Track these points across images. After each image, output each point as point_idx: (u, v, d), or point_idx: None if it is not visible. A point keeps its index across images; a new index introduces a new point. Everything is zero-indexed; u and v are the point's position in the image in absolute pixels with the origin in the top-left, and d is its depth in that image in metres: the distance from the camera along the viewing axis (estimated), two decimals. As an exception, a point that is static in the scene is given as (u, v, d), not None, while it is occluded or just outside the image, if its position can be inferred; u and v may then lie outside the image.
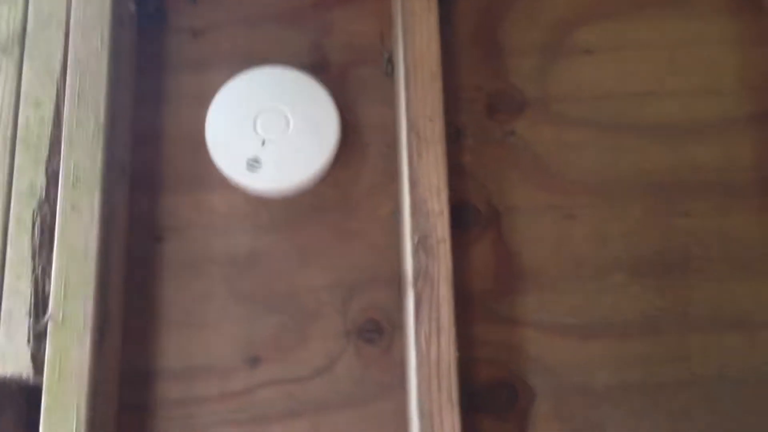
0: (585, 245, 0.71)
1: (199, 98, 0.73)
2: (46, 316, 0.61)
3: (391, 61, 0.74)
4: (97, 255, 0.63)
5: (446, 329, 0.62)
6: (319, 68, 0.75)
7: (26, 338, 0.61)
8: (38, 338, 0.61)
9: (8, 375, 0.61)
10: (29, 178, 0.64)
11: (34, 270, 0.62)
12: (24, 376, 0.60)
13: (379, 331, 0.69)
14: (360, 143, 0.74)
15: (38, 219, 0.63)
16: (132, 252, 0.70)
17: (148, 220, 0.71)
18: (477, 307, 0.69)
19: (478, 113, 0.75)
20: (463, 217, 0.71)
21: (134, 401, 0.67)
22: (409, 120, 0.67)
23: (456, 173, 0.71)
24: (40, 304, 0.62)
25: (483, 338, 0.69)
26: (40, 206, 0.63)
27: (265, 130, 0.70)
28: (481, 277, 0.70)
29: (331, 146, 0.70)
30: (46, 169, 0.64)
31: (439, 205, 0.65)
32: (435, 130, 0.67)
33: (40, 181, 0.64)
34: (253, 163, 0.69)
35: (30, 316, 0.61)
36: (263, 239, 0.71)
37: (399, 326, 0.68)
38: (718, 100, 0.75)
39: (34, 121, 0.65)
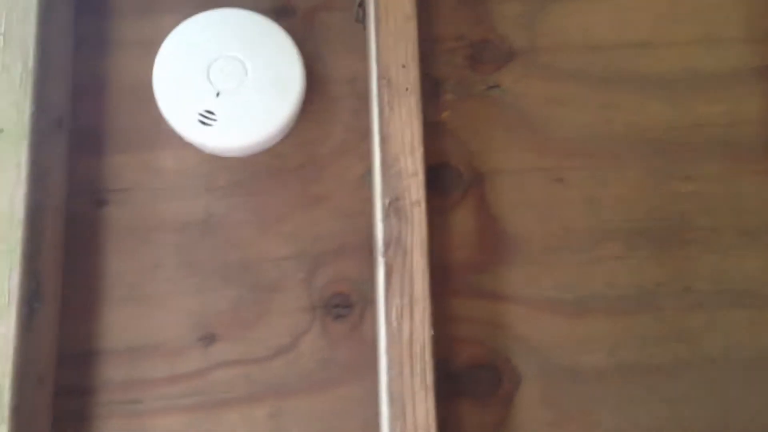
0: (576, 212, 0.64)
1: (146, 44, 0.65)
2: (-36, 289, 0.53)
3: (362, 6, 0.66)
4: (24, 218, 0.55)
5: (420, 303, 0.55)
6: (281, 13, 0.67)
7: (-58, 313, 0.53)
8: (-45, 313, 0.53)
9: None
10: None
11: (-50, 235, 0.55)
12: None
13: (347, 306, 0.62)
14: (327, 97, 0.66)
15: (-44, 177, 0.55)
16: (70, 217, 0.62)
17: (89, 181, 0.63)
18: (456, 279, 0.62)
19: (459, 65, 0.67)
20: (441, 179, 0.64)
21: (72, 384, 0.60)
22: (380, 68, 0.59)
23: (434, 131, 0.64)
24: (-42, 275, 0.54)
25: (462, 315, 0.62)
26: (-42, 162, 0.56)
27: (220, 80, 0.62)
28: (461, 247, 0.63)
29: (294, 99, 0.62)
30: (-34, 120, 0.56)
31: (413, 165, 0.58)
32: (409, 78, 0.59)
33: (-41, 133, 0.56)
34: (207, 117, 0.61)
35: (-54, 288, 0.54)
36: (219, 203, 0.63)
37: (371, 301, 0.61)
38: (723, 51, 0.68)
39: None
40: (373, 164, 0.60)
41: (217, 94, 0.62)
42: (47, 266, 0.58)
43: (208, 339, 0.61)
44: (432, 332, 0.55)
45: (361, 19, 0.67)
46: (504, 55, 0.68)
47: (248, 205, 0.63)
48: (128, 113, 0.65)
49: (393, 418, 0.53)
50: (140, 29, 0.66)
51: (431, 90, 0.66)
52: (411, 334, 0.54)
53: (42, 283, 0.57)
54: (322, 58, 0.66)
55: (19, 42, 0.57)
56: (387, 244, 0.55)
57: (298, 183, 0.64)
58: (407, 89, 0.59)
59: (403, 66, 0.59)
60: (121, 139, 0.64)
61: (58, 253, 0.61)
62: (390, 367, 0.54)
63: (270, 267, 0.62)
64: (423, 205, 0.57)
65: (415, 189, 0.57)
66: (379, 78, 0.59)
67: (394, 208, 0.56)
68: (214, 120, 0.61)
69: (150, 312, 0.61)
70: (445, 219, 0.63)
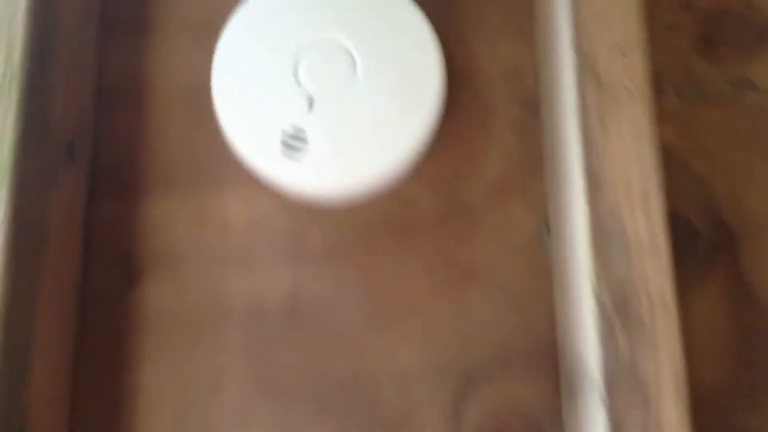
0: None
1: (199, 30, 0.42)
2: None
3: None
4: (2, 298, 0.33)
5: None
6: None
7: None
8: None
9: None
10: None
11: None
12: None
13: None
14: (478, 105, 0.42)
15: None
16: (86, 298, 0.40)
17: (111, 241, 0.41)
18: (706, 412, 0.37)
19: (686, 50, 0.42)
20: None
21: None
22: (579, 56, 0.34)
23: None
24: None
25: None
26: None
27: (314, 81, 0.38)
28: (707, 358, 0.38)
29: (430, 112, 0.38)
30: None
31: (647, 224, 0.33)
32: (634, 74, 0.34)
33: None
34: (294, 141, 0.38)
35: None
36: (310, 281, 0.40)
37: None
38: None
39: None
40: (561, 220, 0.36)
41: (310, 104, 0.38)
42: (43, 358, 0.36)
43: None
44: None
45: (528, -17, 0.42)
46: (757, 34, 0.42)
47: (356, 283, 0.40)
48: (172, 135, 0.42)
49: None
50: (191, 6, 0.43)
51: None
52: None
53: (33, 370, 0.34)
54: (467, 44, 0.42)
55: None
56: (610, 381, 0.31)
57: (435, 247, 0.40)
58: (630, 92, 0.34)
59: (623, 54, 0.34)
60: (160, 175, 0.41)
61: (71, 343, 0.38)
62: None
63: (392, 387, 0.39)
64: (671, 300, 0.32)
65: (655, 268, 0.32)
66: (581, 71, 0.34)
67: (616, 306, 0.32)
68: (304, 145, 0.37)
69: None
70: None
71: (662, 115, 0.41)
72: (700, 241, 0.39)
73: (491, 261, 0.40)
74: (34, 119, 0.35)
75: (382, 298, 0.39)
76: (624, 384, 0.31)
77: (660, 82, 0.42)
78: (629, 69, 0.34)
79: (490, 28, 0.42)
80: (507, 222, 0.41)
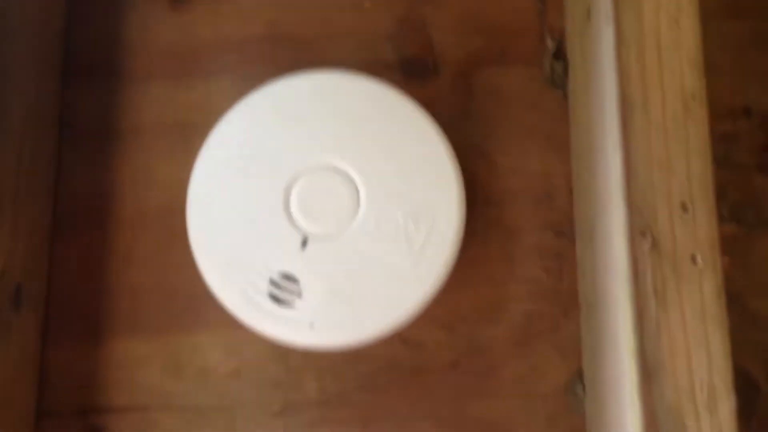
0: None
1: (173, 137, 0.36)
2: None
3: (562, 56, 0.35)
4: None
5: None
6: (414, 72, 0.37)
7: None
8: None
9: None
10: None
11: None
12: None
13: None
14: (501, 227, 0.36)
15: None
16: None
17: (69, 394, 0.35)
18: None
19: (745, 163, 0.36)
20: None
21: None
22: (632, 209, 0.28)
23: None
24: None
25: None
26: None
27: (309, 213, 0.32)
28: None
29: (446, 250, 0.32)
30: None
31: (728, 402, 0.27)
32: (700, 237, 0.28)
33: None
34: (284, 293, 0.31)
35: None
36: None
37: None
38: None
39: None
40: (596, 368, 0.30)
41: (303, 243, 0.32)
42: None
43: None
44: None
45: (559, 81, 0.36)
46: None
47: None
48: (143, 265, 0.35)
49: None
50: (167, 117, 0.37)
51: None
52: None
53: None
54: (490, 156, 0.36)
55: None
56: None
57: (446, 398, 0.34)
58: (694, 261, 0.28)
59: (685, 209, 0.28)
60: (130, 315, 0.35)
61: None
62: None
63: None
64: None
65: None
66: (631, 232, 0.28)
67: None
68: (296, 298, 0.31)
69: None
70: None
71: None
72: (762, 399, 0.34)
73: (513, 416, 0.34)
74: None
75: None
76: None
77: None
78: (694, 230, 0.28)
79: (517, 137, 0.36)
80: (533, 370, 0.35)
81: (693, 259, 0.28)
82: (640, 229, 0.28)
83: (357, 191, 0.33)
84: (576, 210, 0.35)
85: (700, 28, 0.29)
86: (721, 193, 0.35)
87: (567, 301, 0.35)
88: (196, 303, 0.35)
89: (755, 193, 0.36)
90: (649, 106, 0.28)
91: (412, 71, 0.36)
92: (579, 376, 0.34)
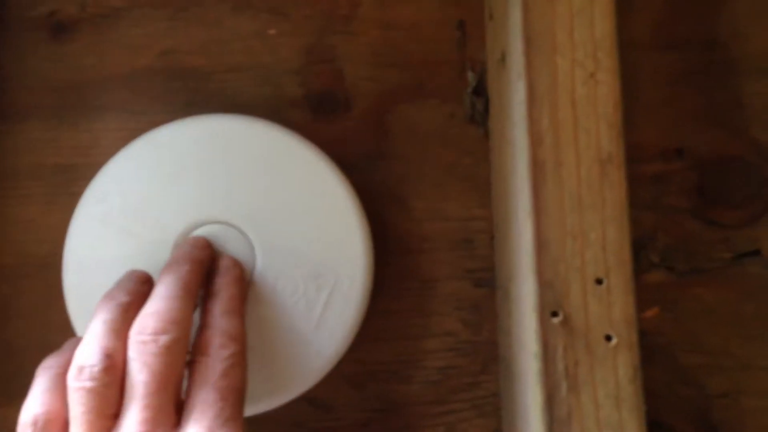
0: None
1: (54, 188, 0.32)
2: None
3: (483, 91, 0.33)
4: None
5: None
6: (321, 107, 0.34)
7: None
8: None
9: None
10: None
11: None
12: None
13: None
14: (415, 277, 0.33)
15: None
16: None
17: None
18: None
19: (677, 209, 0.34)
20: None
21: None
22: (541, 282, 0.26)
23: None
24: None
25: None
26: None
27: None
28: None
29: (352, 312, 0.30)
30: None
31: None
32: (617, 313, 0.26)
33: None
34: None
35: None
36: None
37: None
38: None
39: None
40: (516, 429, 0.28)
41: (195, 307, 0.29)
42: None
43: None
44: None
45: (482, 119, 0.33)
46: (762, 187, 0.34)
47: None
48: (21, 324, 0.33)
49: None
50: (46, 153, 0.33)
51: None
52: None
53: None
54: (403, 200, 0.33)
55: None
56: None
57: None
58: (610, 340, 0.26)
59: (599, 279, 0.26)
60: (2, 380, 0.32)
61: None
62: None
63: None
64: None
65: None
66: (541, 308, 0.26)
67: None
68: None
69: None
70: None
71: (643, 290, 0.33)
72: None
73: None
74: None
75: None
76: None
77: (639, 249, 0.34)
78: (608, 307, 0.26)
79: (434, 179, 0.33)
80: (449, 430, 0.33)
81: (607, 338, 0.26)
82: (550, 305, 0.26)
83: (252, 250, 0.30)
84: (496, 258, 0.33)
85: (620, 84, 0.26)
86: (650, 238, 0.33)
87: (486, 355, 0.33)
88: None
89: (686, 238, 0.34)
90: (561, 170, 0.26)
91: (321, 107, 0.33)
92: (498, 436, 0.32)
